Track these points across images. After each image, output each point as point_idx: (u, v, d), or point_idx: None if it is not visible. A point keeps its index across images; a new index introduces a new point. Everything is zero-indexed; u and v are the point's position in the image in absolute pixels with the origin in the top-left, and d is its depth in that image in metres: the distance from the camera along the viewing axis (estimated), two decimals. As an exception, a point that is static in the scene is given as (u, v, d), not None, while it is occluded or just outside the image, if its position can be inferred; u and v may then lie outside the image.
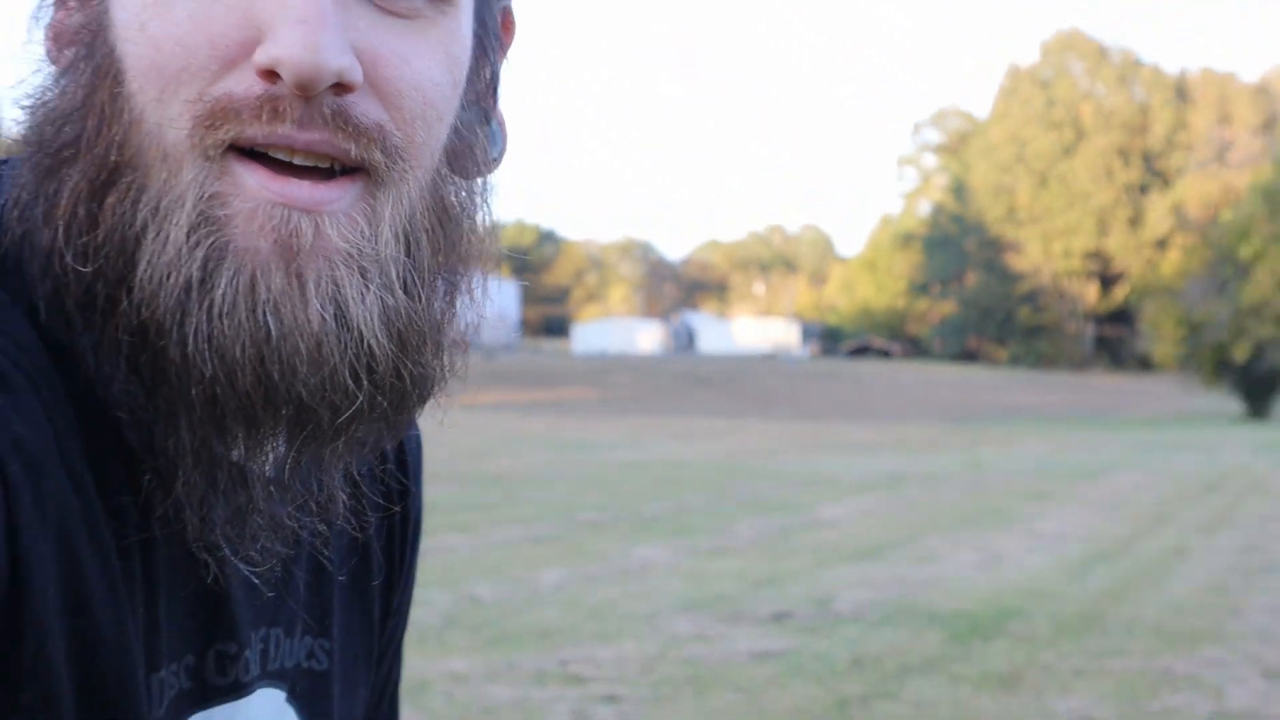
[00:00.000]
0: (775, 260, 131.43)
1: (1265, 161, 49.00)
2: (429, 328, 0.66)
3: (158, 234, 0.60)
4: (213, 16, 0.59)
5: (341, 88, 0.60)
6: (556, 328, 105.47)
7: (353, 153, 0.61)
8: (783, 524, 10.75)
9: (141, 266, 0.60)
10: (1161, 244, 72.92)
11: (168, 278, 0.59)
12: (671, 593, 7.47)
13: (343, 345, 0.61)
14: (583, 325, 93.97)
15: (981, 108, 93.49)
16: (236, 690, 0.72)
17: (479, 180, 0.70)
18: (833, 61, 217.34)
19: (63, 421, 0.61)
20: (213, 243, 0.59)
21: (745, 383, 44.75)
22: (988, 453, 20.08)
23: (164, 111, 0.60)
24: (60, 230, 0.61)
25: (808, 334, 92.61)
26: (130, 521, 0.64)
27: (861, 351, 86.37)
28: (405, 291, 0.64)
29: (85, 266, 0.60)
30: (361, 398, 0.63)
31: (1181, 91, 78.40)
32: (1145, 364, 62.74)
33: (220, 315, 0.59)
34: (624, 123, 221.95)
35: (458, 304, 0.69)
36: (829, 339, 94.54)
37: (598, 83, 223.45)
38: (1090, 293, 79.63)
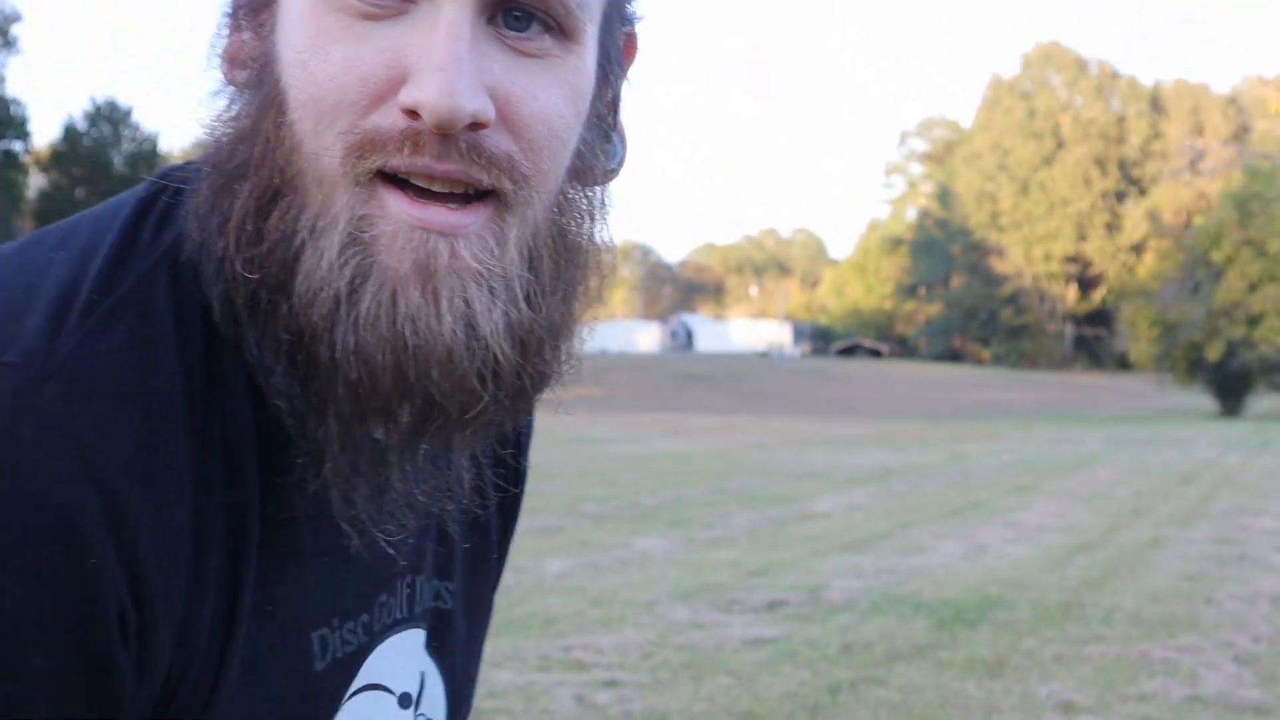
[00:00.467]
0: (769, 263, 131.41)
1: (1236, 170, 49.00)
2: (547, 334, 0.71)
3: (314, 251, 0.66)
4: (364, 58, 0.64)
5: (476, 125, 0.65)
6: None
7: (485, 181, 0.66)
8: (776, 516, 10.74)
9: (299, 278, 0.66)
10: (1137, 248, 72.88)
11: (321, 290, 0.65)
12: (670, 582, 7.46)
13: (471, 353, 0.67)
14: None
15: (966, 118, 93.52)
16: (387, 633, 0.80)
17: (597, 190, 0.75)
18: (824, 73, 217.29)
19: (226, 411, 0.68)
20: (360, 261, 0.65)
21: (740, 381, 44.74)
22: (972, 448, 20.08)
23: (320, 141, 0.65)
24: (232, 241, 0.67)
25: (800, 334, 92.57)
26: (284, 499, 0.70)
27: (851, 351, 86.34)
28: (527, 303, 0.69)
29: (252, 274, 0.66)
30: (486, 397, 0.68)
31: (1156, 102, 78.39)
32: (1122, 363, 62.71)
33: (365, 326, 0.65)
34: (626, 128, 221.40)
35: (575, 309, 0.74)
36: (820, 339, 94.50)
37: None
38: (1070, 295, 79.62)
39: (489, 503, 0.83)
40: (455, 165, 0.65)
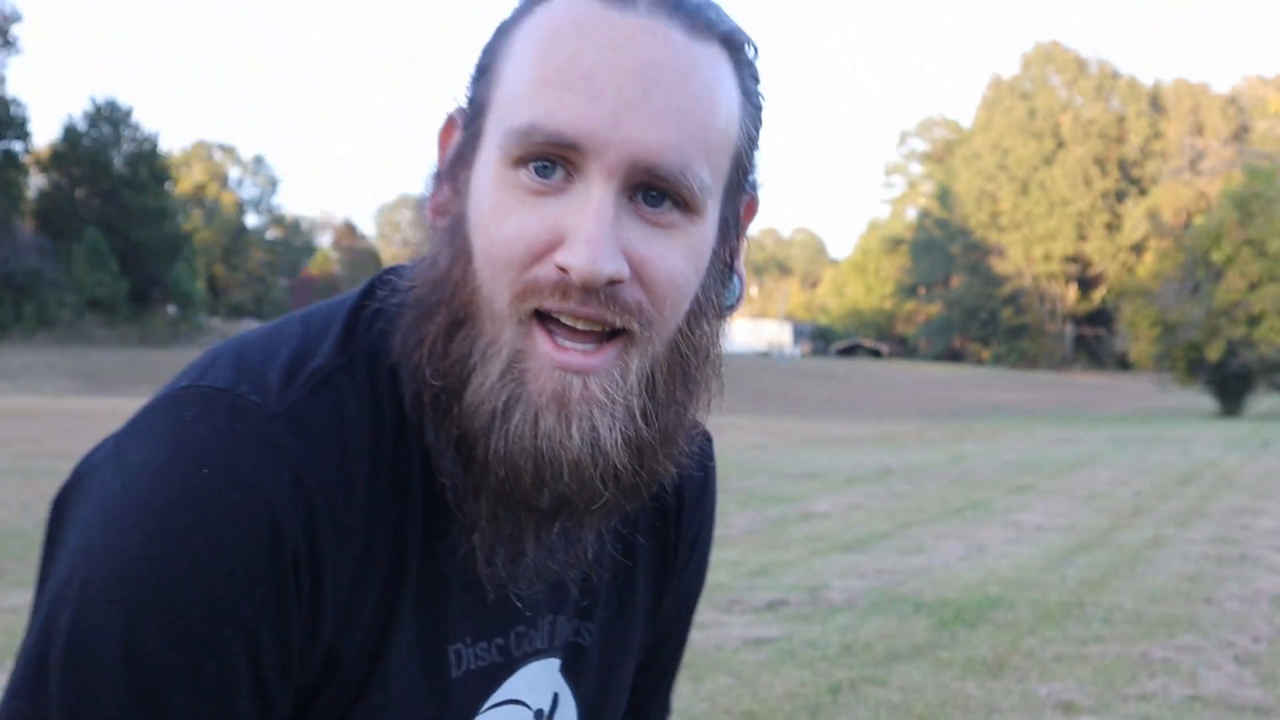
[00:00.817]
0: (769, 263, 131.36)
1: (1236, 169, 48.97)
2: (660, 443, 0.87)
3: (482, 372, 0.84)
4: (530, 226, 0.82)
5: (613, 282, 0.81)
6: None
7: (618, 323, 0.83)
8: (776, 516, 10.74)
9: (469, 390, 0.84)
10: (1137, 248, 72.90)
11: (483, 404, 0.84)
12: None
13: (595, 464, 0.84)
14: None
15: (966, 118, 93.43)
16: (527, 659, 0.97)
17: (712, 325, 0.91)
18: (824, 73, 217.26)
19: (403, 475, 0.88)
20: (514, 388, 0.83)
21: (740, 381, 44.73)
22: (972, 448, 20.07)
23: (494, 286, 0.83)
24: (425, 354, 0.86)
25: (800, 334, 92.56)
26: (440, 552, 0.89)
27: (851, 351, 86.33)
28: (644, 420, 0.86)
29: (436, 380, 0.85)
30: (607, 494, 0.86)
31: (1156, 102, 78.37)
32: (1122, 363, 62.70)
33: (513, 438, 0.83)
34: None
35: (687, 419, 0.90)
36: (820, 339, 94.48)
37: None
38: (1070, 295, 79.62)
39: (632, 553, 1.04)
40: (594, 310, 0.82)
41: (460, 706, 0.92)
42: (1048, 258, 76.81)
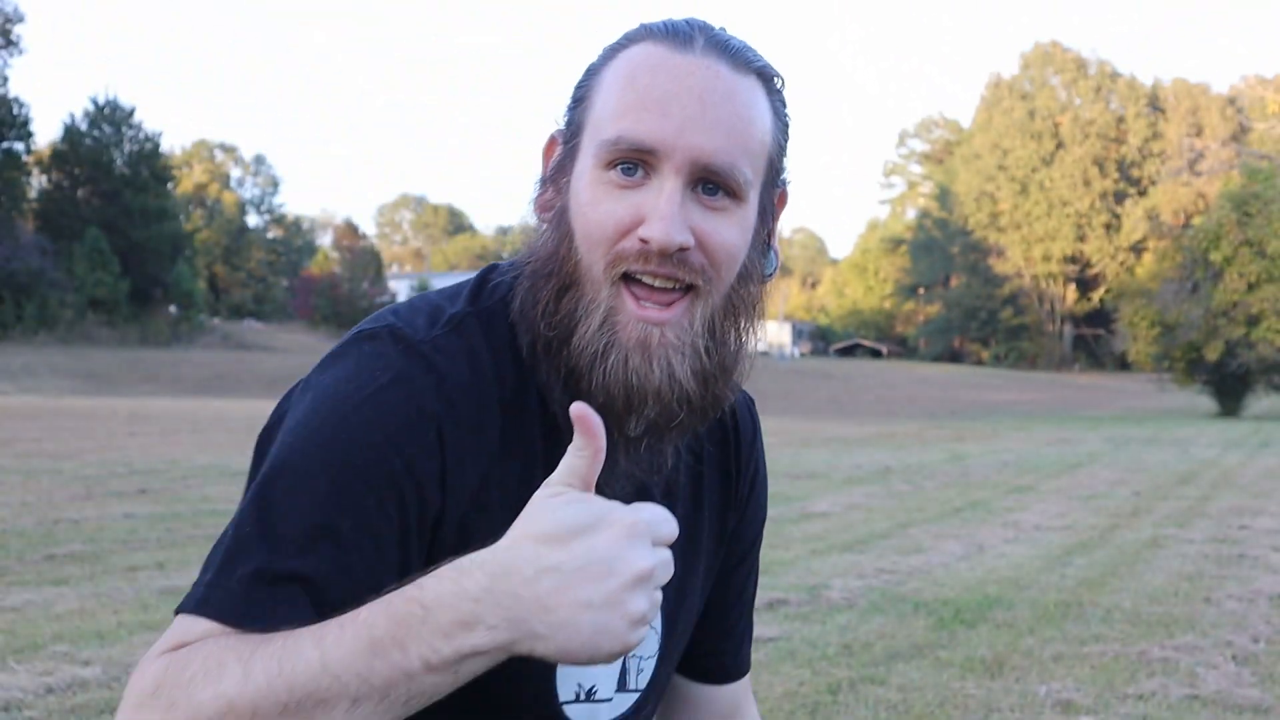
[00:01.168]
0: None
1: (1235, 170, 48.98)
2: (720, 374, 1.15)
3: (585, 323, 1.10)
4: (618, 211, 1.09)
5: (683, 250, 1.08)
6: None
7: (686, 280, 1.10)
8: (776, 516, 10.74)
9: (575, 338, 1.10)
10: (1136, 249, 72.90)
11: (586, 348, 1.10)
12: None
13: (671, 391, 1.11)
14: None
15: (965, 118, 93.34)
16: None
17: (756, 285, 1.17)
18: (824, 73, 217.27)
19: (529, 403, 1.14)
20: (609, 336, 1.10)
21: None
22: (971, 448, 20.07)
23: (591, 258, 1.10)
24: (540, 311, 1.12)
25: (800, 334, 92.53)
26: (548, 460, 1.08)
27: (850, 351, 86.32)
28: (707, 355, 1.13)
29: (549, 331, 1.12)
30: (682, 415, 1.13)
31: (1155, 102, 78.36)
32: (1121, 363, 62.70)
33: (608, 374, 1.09)
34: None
35: (739, 356, 1.18)
36: (820, 339, 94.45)
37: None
38: (1069, 295, 79.63)
39: (700, 470, 1.29)
40: (669, 270, 1.09)
41: None
42: (1047, 258, 76.81)
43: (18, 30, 56.75)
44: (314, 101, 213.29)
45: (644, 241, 1.08)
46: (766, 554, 8.62)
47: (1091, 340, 78.87)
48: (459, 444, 1.08)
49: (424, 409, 1.06)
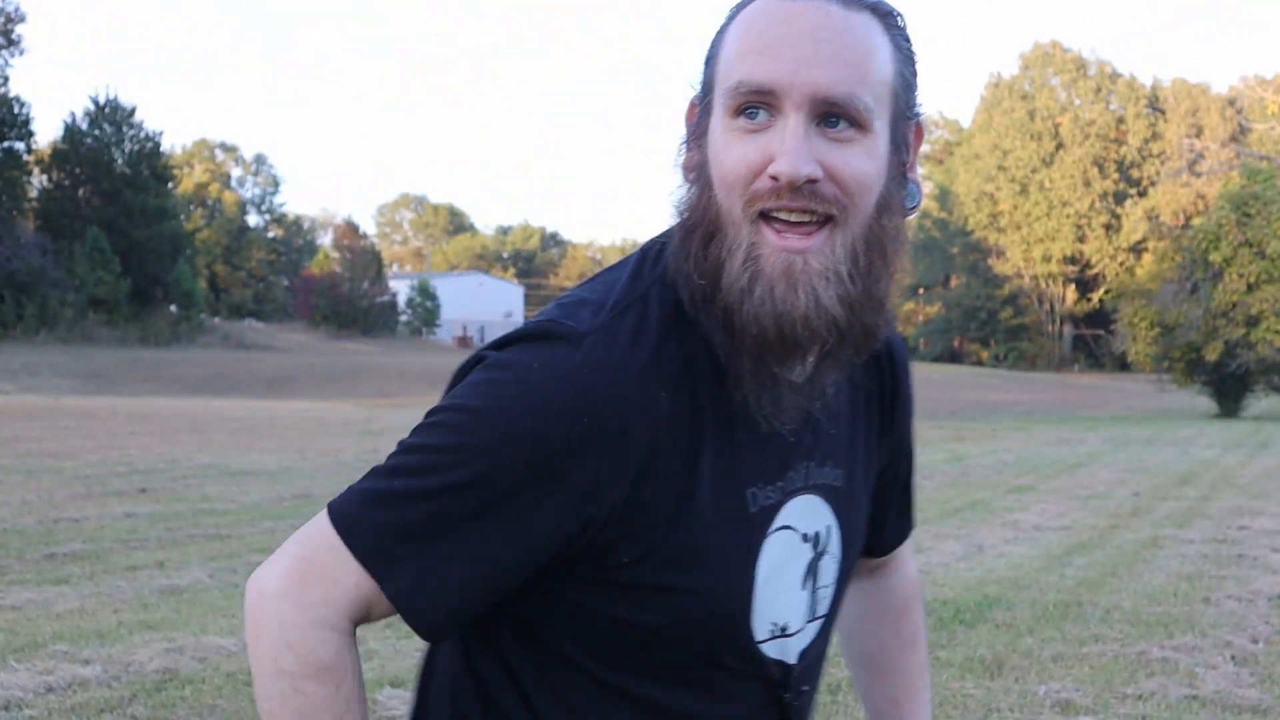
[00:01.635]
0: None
1: (1234, 171, 48.95)
2: (866, 300, 1.16)
3: (730, 264, 1.14)
4: (749, 155, 1.13)
5: (812, 181, 1.11)
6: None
7: (821, 211, 1.13)
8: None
9: (724, 279, 1.14)
10: (1136, 249, 72.86)
11: (734, 285, 1.14)
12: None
13: (819, 317, 1.13)
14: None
15: (965, 118, 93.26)
16: (793, 495, 1.25)
17: (898, 217, 1.20)
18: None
19: (698, 357, 1.18)
20: (753, 270, 1.13)
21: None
22: (971, 448, 20.07)
23: (729, 202, 1.15)
24: (691, 263, 1.17)
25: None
26: (723, 406, 1.18)
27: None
28: (851, 282, 1.14)
29: (702, 280, 1.16)
30: (832, 341, 1.15)
31: (1155, 102, 78.36)
32: (1121, 363, 62.64)
33: (756, 306, 1.13)
34: (624, 126, 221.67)
35: (885, 285, 1.18)
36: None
37: (601, 90, 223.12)
38: (1069, 295, 79.58)
39: (863, 398, 1.35)
40: (803, 203, 1.12)
41: (756, 536, 1.21)
42: (1047, 258, 76.78)
43: (19, 30, 56.75)
44: (314, 101, 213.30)
45: (774, 179, 1.12)
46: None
47: (1091, 341, 78.84)
48: (619, 429, 1.13)
49: (591, 397, 1.12)
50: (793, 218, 1.13)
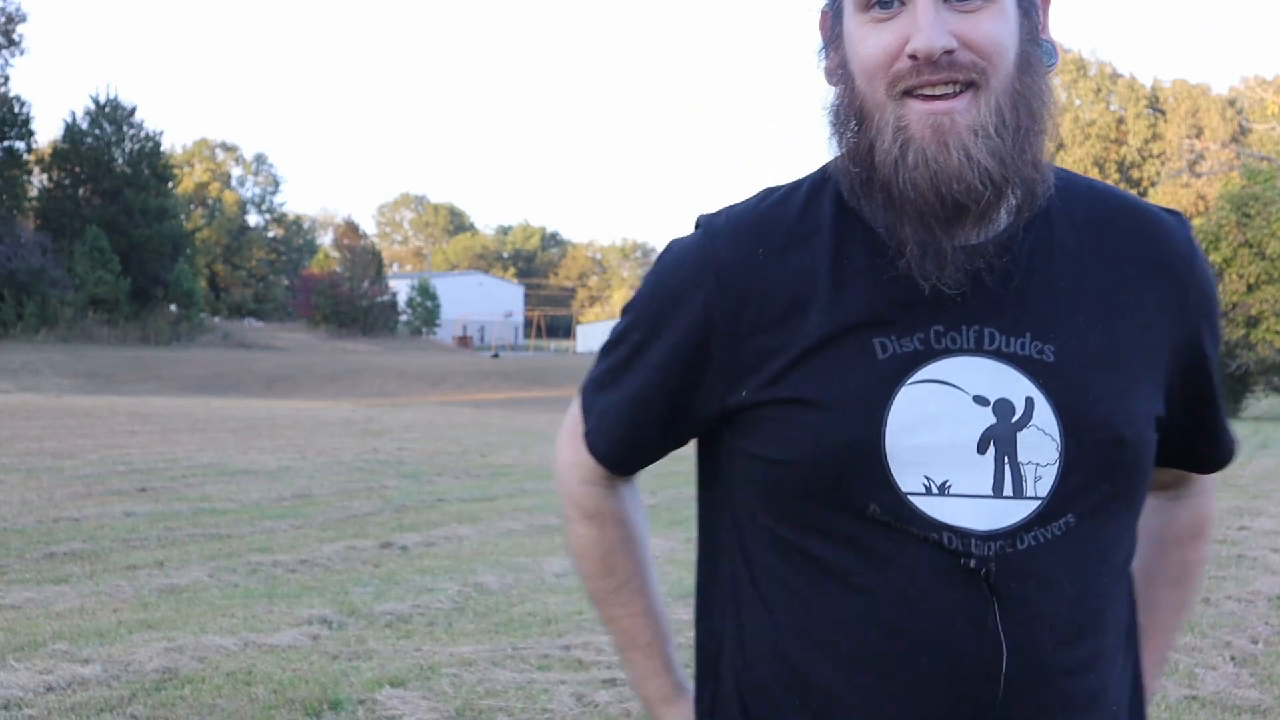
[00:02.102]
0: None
1: (1235, 171, 48.90)
2: (1015, 152, 1.21)
3: (880, 141, 1.22)
4: (884, 41, 1.21)
5: (948, 53, 1.19)
6: (562, 329, 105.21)
7: (962, 78, 1.20)
8: (775, 516, 10.72)
9: (876, 156, 1.22)
10: (1137, 249, 72.88)
11: (886, 159, 1.21)
12: (670, 581, 7.46)
13: (972, 170, 1.19)
14: (587, 326, 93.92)
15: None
16: (949, 354, 1.24)
17: (1039, 76, 1.25)
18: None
19: (855, 238, 1.28)
20: (903, 139, 1.20)
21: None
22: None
23: (872, 87, 1.23)
24: (847, 155, 1.27)
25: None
26: (879, 275, 1.26)
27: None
28: (999, 136, 1.20)
29: (856, 168, 1.25)
30: (988, 192, 1.20)
31: (1155, 103, 78.35)
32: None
33: (910, 171, 1.20)
34: (624, 126, 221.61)
35: (1032, 140, 1.23)
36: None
37: (601, 90, 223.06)
38: (1069, 296, 79.43)
39: (1129, 274, 1.30)
40: (943, 74, 1.19)
41: (886, 380, 1.23)
42: (1047, 259, 76.66)
43: (20, 29, 56.73)
44: (314, 101, 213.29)
45: (913, 57, 1.19)
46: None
47: (1091, 341, 78.66)
48: (724, 279, 1.29)
49: (695, 258, 1.32)
50: (936, 91, 1.20)
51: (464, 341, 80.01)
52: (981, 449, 1.21)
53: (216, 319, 69.54)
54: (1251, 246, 34.39)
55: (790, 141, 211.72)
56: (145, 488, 11.85)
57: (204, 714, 4.76)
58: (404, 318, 76.34)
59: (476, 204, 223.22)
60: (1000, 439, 1.22)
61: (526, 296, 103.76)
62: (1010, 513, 1.20)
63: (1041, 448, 1.22)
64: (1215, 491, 1.52)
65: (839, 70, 1.27)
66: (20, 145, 57.29)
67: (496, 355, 63.43)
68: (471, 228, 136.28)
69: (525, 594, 7.06)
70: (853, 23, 1.24)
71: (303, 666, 5.40)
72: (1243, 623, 6.51)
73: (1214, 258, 34.95)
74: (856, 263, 1.27)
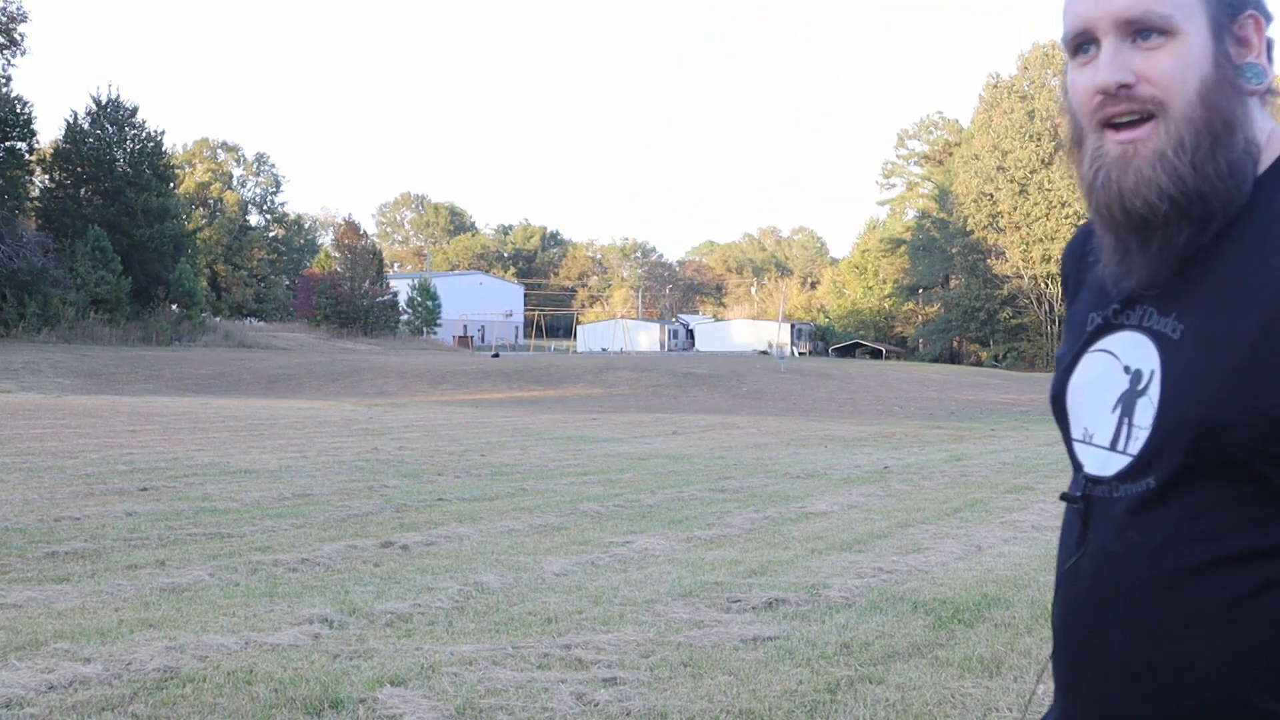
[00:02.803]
0: (769, 262, 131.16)
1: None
2: (1193, 174, 1.36)
3: (1084, 168, 1.45)
4: (1083, 82, 1.43)
5: (1125, 87, 1.38)
6: (563, 329, 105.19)
7: (1144, 110, 1.38)
8: (775, 515, 10.74)
9: (1083, 182, 1.46)
10: (1136, 249, 72.87)
11: (1088, 183, 1.45)
12: (669, 580, 7.46)
13: (1149, 188, 1.37)
14: (587, 326, 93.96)
15: (965, 118, 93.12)
16: (1122, 329, 1.47)
17: (1230, 99, 1.39)
18: (824, 72, 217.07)
19: (1083, 240, 1.60)
20: (1099, 163, 1.41)
21: (739, 380, 44.69)
22: (970, 448, 20.06)
23: (1086, 124, 1.43)
24: (1079, 181, 1.48)
25: (800, 335, 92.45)
26: (1091, 267, 1.55)
27: (850, 351, 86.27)
28: (1176, 158, 1.36)
29: (1082, 189, 1.48)
30: (1164, 207, 1.37)
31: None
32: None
33: (1100, 191, 1.41)
34: (624, 126, 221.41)
35: (1214, 162, 1.37)
36: (820, 340, 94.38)
37: (601, 90, 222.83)
38: (1068, 296, 79.40)
39: (1188, 281, 1.41)
40: (1124, 106, 1.39)
41: (1081, 346, 1.51)
42: (1046, 259, 76.76)
43: (21, 29, 56.71)
44: (315, 101, 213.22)
45: (1100, 93, 1.40)
46: (767, 553, 8.66)
47: (1090, 341, 78.60)
48: (1065, 269, 1.67)
49: (1074, 247, 1.66)
50: (1123, 119, 1.39)
51: (464, 341, 79.99)
52: (1113, 409, 1.43)
53: (217, 319, 69.55)
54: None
55: (790, 141, 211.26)
56: (146, 487, 11.85)
57: (205, 713, 4.76)
58: (404, 317, 76.35)
59: (477, 204, 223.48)
60: (1126, 403, 1.42)
61: (527, 296, 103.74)
62: (1112, 464, 1.41)
63: (1145, 414, 1.38)
64: None
65: (1068, 111, 1.48)
66: (22, 145, 57.30)
67: (497, 355, 63.40)
68: (472, 227, 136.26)
69: (525, 593, 7.06)
70: (1070, 71, 1.47)
71: (303, 665, 5.40)
72: (1241, 622, 6.50)
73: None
74: (1094, 261, 1.52)
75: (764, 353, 74.51)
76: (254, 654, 5.59)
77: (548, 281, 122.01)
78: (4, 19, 55.53)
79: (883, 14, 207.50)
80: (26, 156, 58.08)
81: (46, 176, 61.89)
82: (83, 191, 60.85)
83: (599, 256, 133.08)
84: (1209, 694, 1.29)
